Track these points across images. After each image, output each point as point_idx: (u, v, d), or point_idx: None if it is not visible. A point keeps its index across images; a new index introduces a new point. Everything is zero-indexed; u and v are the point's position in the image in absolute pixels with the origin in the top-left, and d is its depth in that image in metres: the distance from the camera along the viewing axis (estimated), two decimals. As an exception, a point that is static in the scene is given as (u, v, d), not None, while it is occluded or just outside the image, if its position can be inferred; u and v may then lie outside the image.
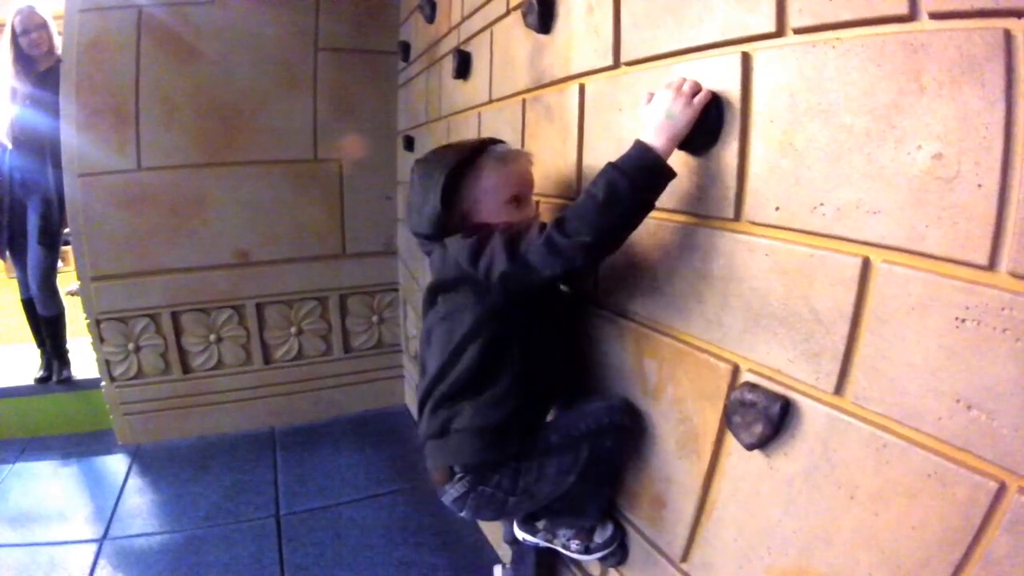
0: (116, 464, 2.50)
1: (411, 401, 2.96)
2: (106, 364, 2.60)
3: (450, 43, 2.01)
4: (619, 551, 1.21)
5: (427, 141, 2.34)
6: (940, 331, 0.62)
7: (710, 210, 0.91)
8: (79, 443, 2.67)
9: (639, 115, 0.95)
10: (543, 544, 1.30)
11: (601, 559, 1.24)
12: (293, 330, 2.79)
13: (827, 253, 0.74)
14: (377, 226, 2.88)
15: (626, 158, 0.89)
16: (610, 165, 0.90)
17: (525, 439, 1.10)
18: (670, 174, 0.90)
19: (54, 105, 2.47)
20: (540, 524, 1.28)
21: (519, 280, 0.98)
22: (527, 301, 1.06)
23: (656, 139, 0.87)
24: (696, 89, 0.87)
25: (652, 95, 0.91)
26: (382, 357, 2.99)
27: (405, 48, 2.66)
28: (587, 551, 1.22)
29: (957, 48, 0.59)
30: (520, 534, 1.33)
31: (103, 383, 2.63)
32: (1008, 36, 0.56)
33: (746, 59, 0.84)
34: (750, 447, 0.84)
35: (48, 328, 2.89)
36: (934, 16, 0.61)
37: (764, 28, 0.80)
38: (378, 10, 2.72)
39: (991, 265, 0.58)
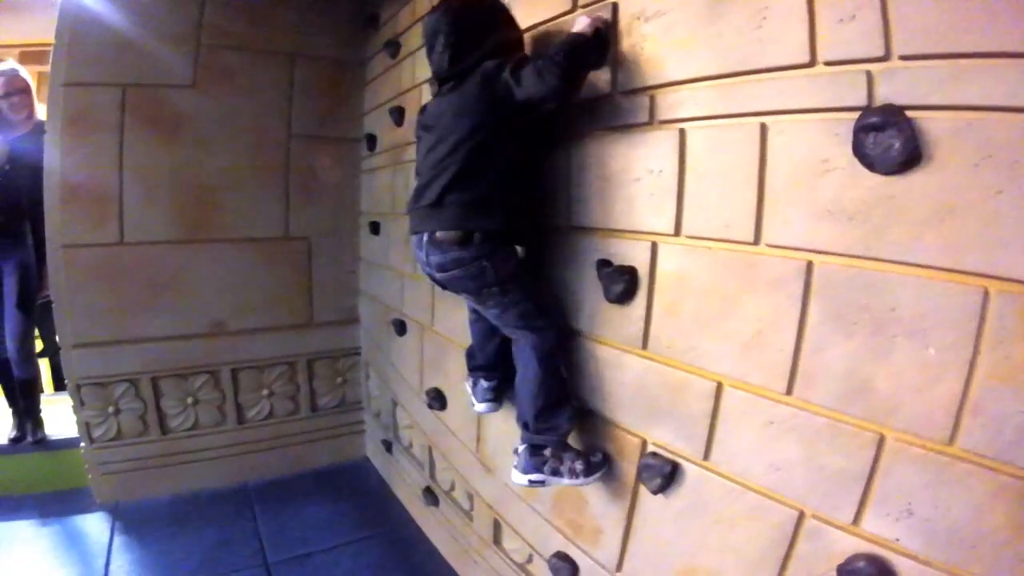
0: (98, 523, 2.62)
1: (372, 453, 3.28)
2: (86, 426, 2.72)
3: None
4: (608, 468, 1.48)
5: (394, 229, 2.75)
6: (757, 429, 1.11)
7: (629, 340, 1.40)
8: (55, 502, 2.73)
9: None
10: (550, 478, 1.48)
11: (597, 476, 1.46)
12: (265, 392, 3.06)
13: (696, 378, 1.24)
14: (341, 297, 3.22)
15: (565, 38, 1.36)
16: (560, 41, 1.35)
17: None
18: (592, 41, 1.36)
19: (33, 169, 2.55)
20: (547, 452, 1.47)
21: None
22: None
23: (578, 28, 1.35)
24: (596, 17, 1.36)
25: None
26: (345, 415, 3.29)
27: (371, 139, 3.05)
28: (588, 468, 1.45)
29: (793, 272, 1.04)
30: (526, 477, 1.49)
31: (82, 444, 2.75)
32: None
33: (654, 247, 1.32)
34: (654, 492, 1.31)
35: (23, 390, 3.00)
36: (771, 245, 1.08)
37: (667, 230, 1.28)
38: (345, 103, 3.10)
39: (789, 391, 1.06)
